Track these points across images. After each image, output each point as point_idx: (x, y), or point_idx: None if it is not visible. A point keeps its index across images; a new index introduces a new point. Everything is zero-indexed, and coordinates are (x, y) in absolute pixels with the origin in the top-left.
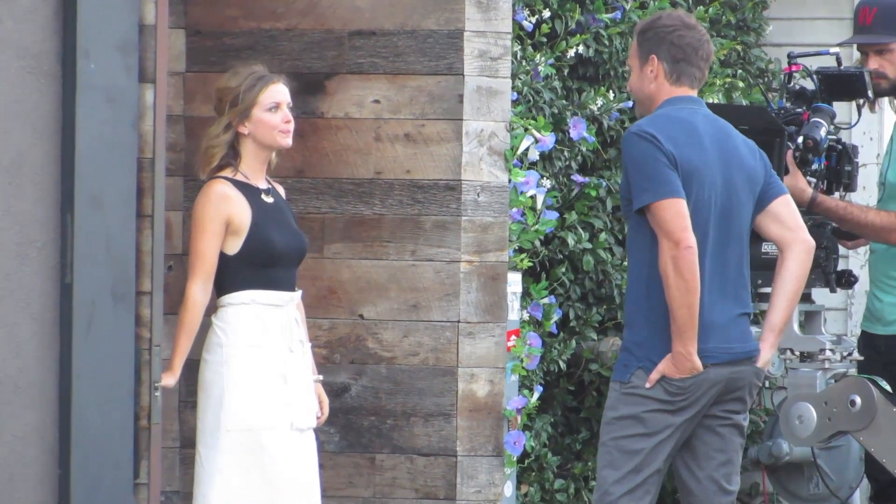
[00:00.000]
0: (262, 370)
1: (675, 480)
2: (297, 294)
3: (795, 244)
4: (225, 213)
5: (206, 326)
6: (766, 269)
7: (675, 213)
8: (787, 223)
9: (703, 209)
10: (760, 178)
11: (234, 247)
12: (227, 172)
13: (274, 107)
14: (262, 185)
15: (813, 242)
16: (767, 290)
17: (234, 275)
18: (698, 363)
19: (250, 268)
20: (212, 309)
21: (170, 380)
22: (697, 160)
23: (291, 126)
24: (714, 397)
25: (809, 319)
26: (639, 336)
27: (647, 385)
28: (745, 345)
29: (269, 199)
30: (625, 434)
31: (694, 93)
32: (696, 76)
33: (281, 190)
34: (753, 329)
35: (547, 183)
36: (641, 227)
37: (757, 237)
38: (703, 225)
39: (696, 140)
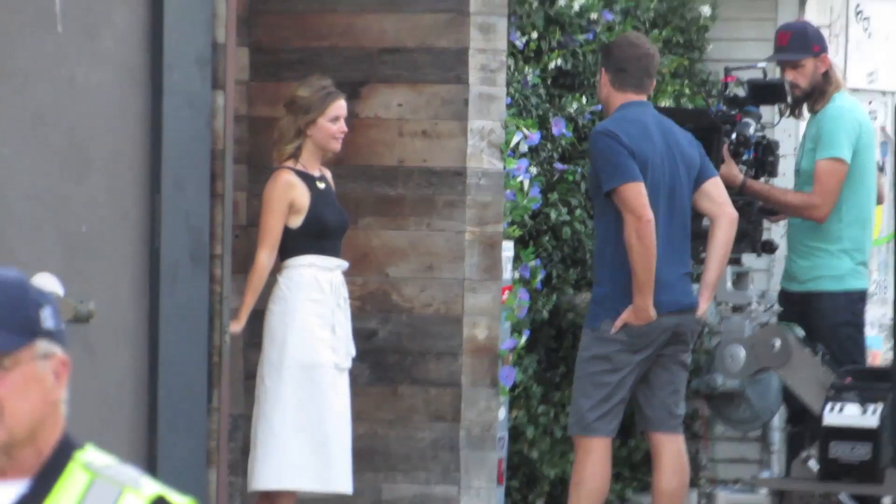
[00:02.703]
0: (316, 320)
1: (633, 407)
2: (344, 263)
3: (723, 216)
4: (289, 197)
5: (270, 284)
6: (706, 238)
7: (637, 194)
8: (716, 200)
9: (654, 190)
10: (696, 164)
11: (296, 222)
12: (290, 163)
13: (335, 118)
14: (316, 173)
15: (736, 214)
16: None
17: (296, 243)
18: (654, 313)
19: (308, 238)
20: (276, 270)
21: (237, 327)
22: (649, 151)
23: (343, 135)
24: (665, 341)
25: (739, 279)
26: (605, 291)
27: (613, 330)
28: (688, 298)
29: (322, 185)
30: (596, 370)
31: (642, 97)
32: (636, 84)
33: (328, 174)
34: (693, 286)
35: (534, 170)
36: (607, 207)
37: (699, 213)
38: (655, 202)
39: (647, 135)
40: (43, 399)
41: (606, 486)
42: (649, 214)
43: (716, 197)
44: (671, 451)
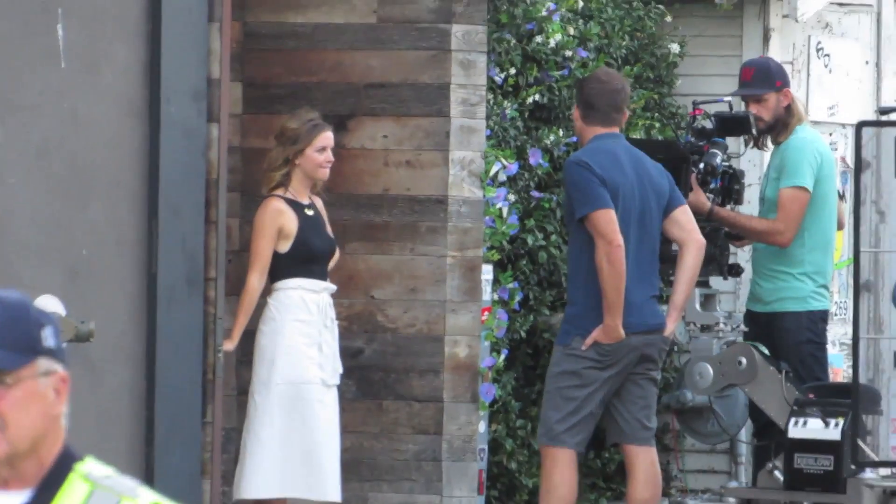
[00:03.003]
0: (304, 339)
1: (608, 422)
2: (331, 286)
3: (691, 243)
4: (278, 223)
5: (261, 305)
6: (675, 262)
7: (608, 220)
8: (685, 227)
9: (625, 217)
10: (666, 193)
11: (285, 247)
12: (280, 191)
13: (322, 149)
14: (305, 201)
15: (704, 241)
16: None
17: (284, 267)
18: (622, 332)
19: (296, 262)
20: (266, 292)
21: (230, 346)
22: (620, 180)
23: (330, 164)
24: (634, 359)
25: (707, 300)
26: (577, 311)
27: (584, 347)
28: (656, 319)
29: (310, 213)
30: (565, 385)
31: (613, 129)
32: (604, 119)
33: (319, 202)
34: (662, 308)
35: (512, 198)
36: (580, 232)
37: (668, 239)
38: (625, 228)
39: (618, 165)
40: (44, 413)
41: (574, 493)
42: (619, 240)
43: (684, 224)
44: (644, 462)
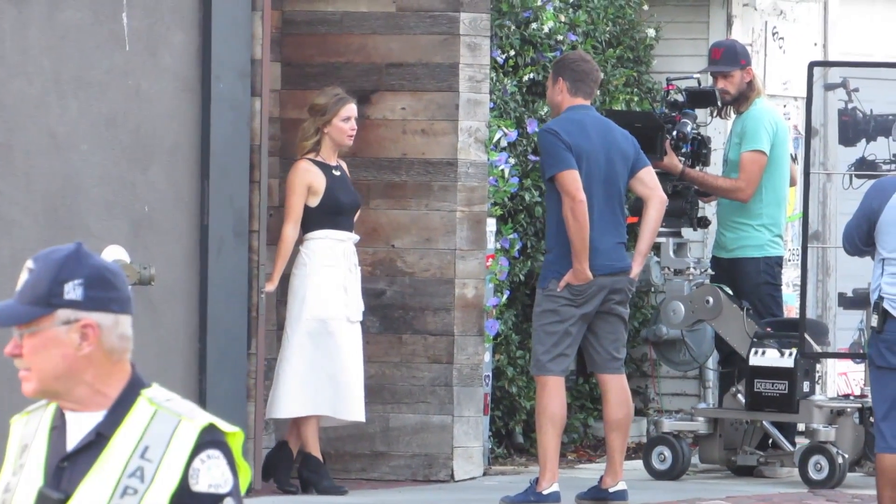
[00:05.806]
0: (330, 281)
1: (584, 354)
2: (355, 236)
3: (654, 198)
4: (307, 181)
5: (295, 253)
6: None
7: (572, 180)
8: (648, 185)
9: (591, 177)
10: (631, 156)
11: (314, 202)
12: (311, 156)
13: (346, 119)
14: (333, 163)
15: (665, 197)
16: (664, 229)
17: (314, 220)
18: (589, 274)
19: (325, 215)
20: (299, 242)
21: (270, 287)
22: (585, 145)
23: (354, 132)
24: (603, 297)
25: (679, 248)
26: (552, 258)
27: (559, 289)
28: (622, 262)
29: (337, 173)
30: (547, 322)
31: (587, 102)
32: (587, 91)
33: (344, 165)
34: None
35: (512, 161)
36: (552, 190)
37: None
38: (592, 187)
39: (584, 132)
40: (65, 356)
41: (563, 411)
42: (581, 196)
43: (648, 182)
44: (615, 387)
